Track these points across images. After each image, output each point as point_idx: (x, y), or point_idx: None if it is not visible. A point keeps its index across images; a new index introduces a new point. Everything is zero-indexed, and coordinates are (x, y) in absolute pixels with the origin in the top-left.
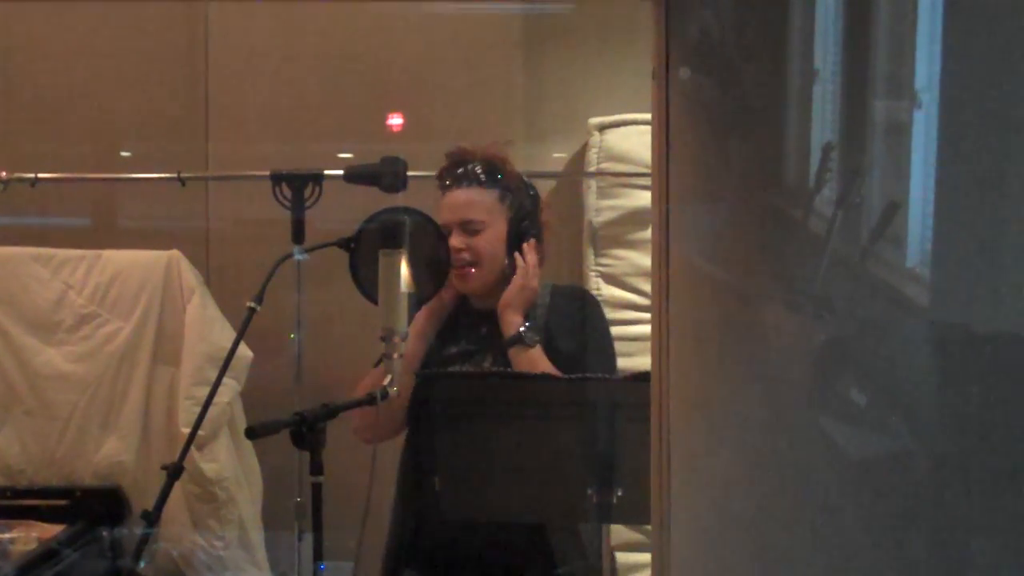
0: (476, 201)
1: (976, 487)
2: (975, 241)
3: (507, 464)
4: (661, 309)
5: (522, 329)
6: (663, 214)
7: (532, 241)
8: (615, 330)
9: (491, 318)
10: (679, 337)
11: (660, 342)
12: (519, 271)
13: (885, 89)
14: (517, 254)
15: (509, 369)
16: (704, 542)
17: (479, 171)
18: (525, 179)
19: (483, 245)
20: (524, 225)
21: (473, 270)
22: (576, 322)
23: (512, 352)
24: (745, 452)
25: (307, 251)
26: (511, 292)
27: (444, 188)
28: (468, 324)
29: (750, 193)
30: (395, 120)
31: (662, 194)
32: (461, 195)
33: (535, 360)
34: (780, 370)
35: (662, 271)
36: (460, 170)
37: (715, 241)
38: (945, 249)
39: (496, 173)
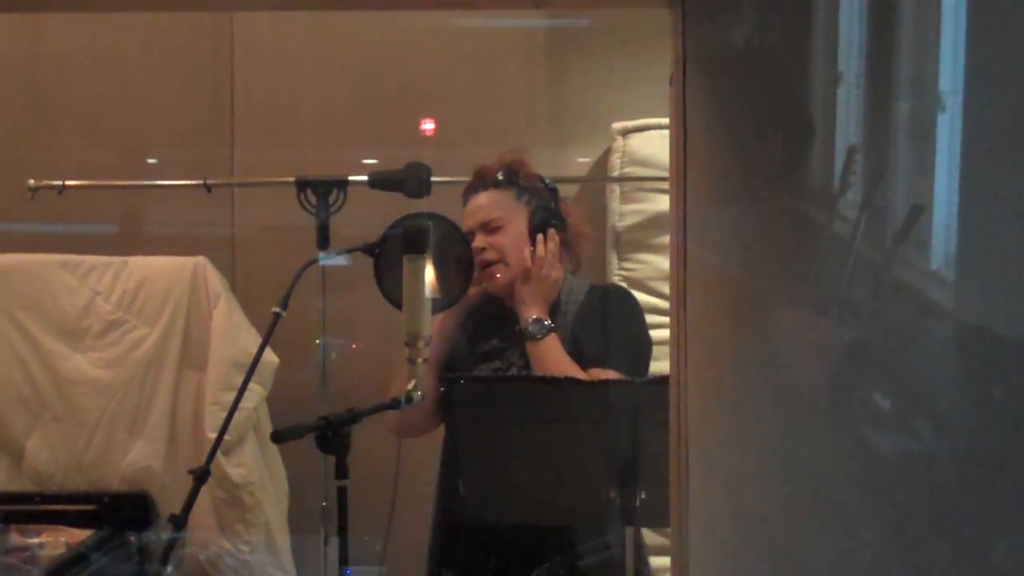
0: (492, 201)
1: (998, 490)
2: (999, 244)
3: (529, 466)
4: (679, 312)
5: (530, 322)
6: (681, 218)
7: (550, 231)
8: None
9: (502, 315)
10: (696, 339)
11: (678, 344)
12: (533, 262)
13: (909, 91)
14: (539, 245)
15: (529, 372)
16: (719, 542)
17: (500, 175)
18: (543, 178)
19: (504, 242)
20: (544, 219)
21: (498, 269)
22: (608, 321)
23: (527, 346)
24: (759, 454)
25: (331, 256)
26: (521, 284)
27: (465, 200)
28: (498, 322)
29: (771, 196)
30: (427, 125)
31: (680, 198)
32: (479, 199)
33: (548, 350)
34: (795, 373)
35: (680, 274)
36: (478, 180)
37: (733, 245)
38: (969, 252)
39: (511, 175)
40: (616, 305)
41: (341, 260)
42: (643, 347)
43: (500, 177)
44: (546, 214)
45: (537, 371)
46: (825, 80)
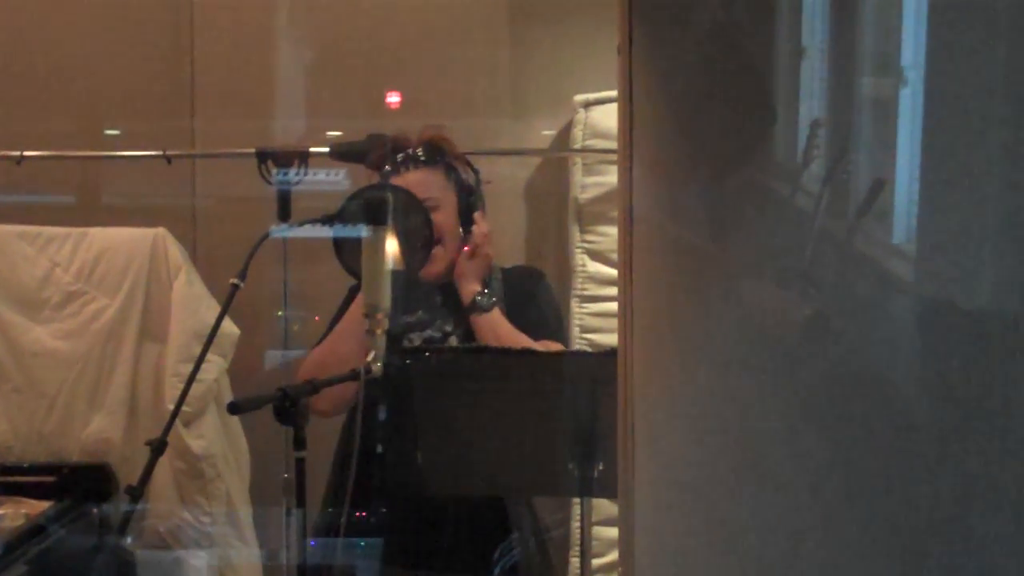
0: (425, 180)
1: (951, 463)
2: (960, 218)
3: (488, 438)
4: (626, 284)
5: (478, 296)
6: (627, 187)
7: (479, 213)
8: (600, 306)
9: (445, 288)
10: (641, 312)
11: (625, 316)
12: (476, 238)
13: (871, 66)
14: (476, 223)
15: (472, 342)
16: (663, 512)
17: (420, 153)
18: (466, 158)
19: (440, 222)
20: (472, 200)
21: (435, 249)
22: (530, 299)
23: (472, 319)
24: (699, 426)
25: (286, 229)
26: (463, 261)
27: (384, 175)
28: (421, 296)
29: (723, 168)
30: (392, 98)
31: (626, 168)
32: (410, 177)
33: (495, 323)
34: (737, 346)
35: (626, 245)
36: (401, 155)
37: (680, 216)
38: (930, 226)
39: (437, 153)
40: (535, 284)
41: (304, 232)
42: (562, 323)
43: (421, 153)
44: (475, 195)
45: (486, 342)
46: (785, 53)
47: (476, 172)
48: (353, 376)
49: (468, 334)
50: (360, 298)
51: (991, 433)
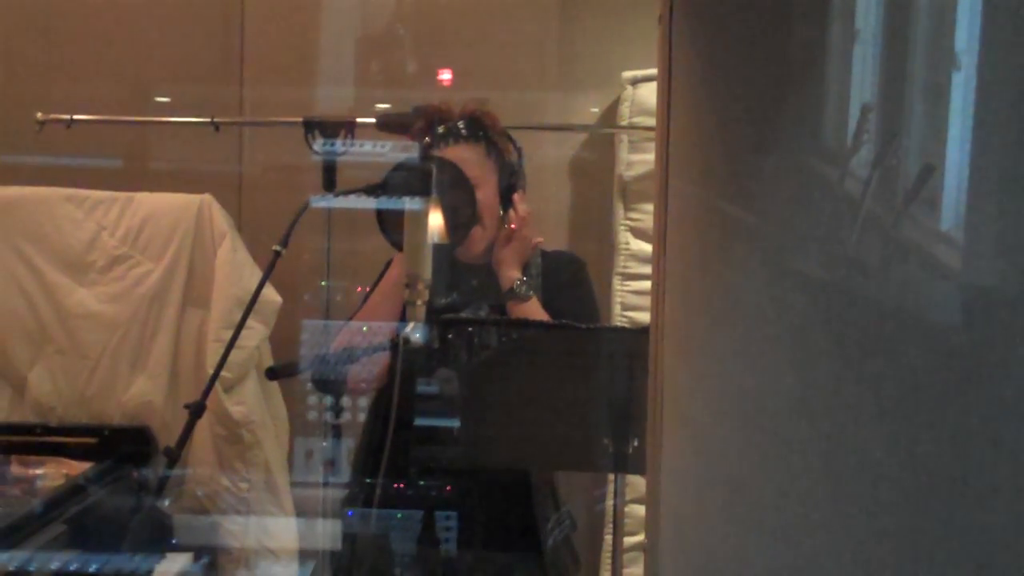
0: (466, 158)
1: (977, 448)
2: (1010, 205)
3: (522, 412)
4: (659, 259)
5: (516, 283)
6: (664, 160)
7: (520, 193)
8: (641, 284)
9: (482, 271)
10: (674, 289)
11: (658, 293)
12: (511, 222)
13: (924, 51)
14: (516, 205)
15: (517, 318)
16: (690, 490)
17: (462, 127)
18: (511, 136)
19: (479, 200)
20: (515, 179)
21: (475, 230)
22: (569, 285)
23: (509, 306)
24: (725, 406)
25: (327, 198)
26: (503, 245)
27: (426, 147)
28: (457, 277)
29: (768, 147)
30: (444, 75)
31: (663, 142)
32: (449, 152)
33: (531, 313)
34: (766, 328)
35: (662, 222)
36: (441, 128)
37: (714, 191)
38: (979, 213)
39: (480, 128)
40: (574, 271)
41: (346, 202)
42: (599, 314)
43: (463, 128)
44: (516, 174)
45: None
46: (837, 32)
47: (519, 150)
48: (391, 347)
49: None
50: (392, 271)
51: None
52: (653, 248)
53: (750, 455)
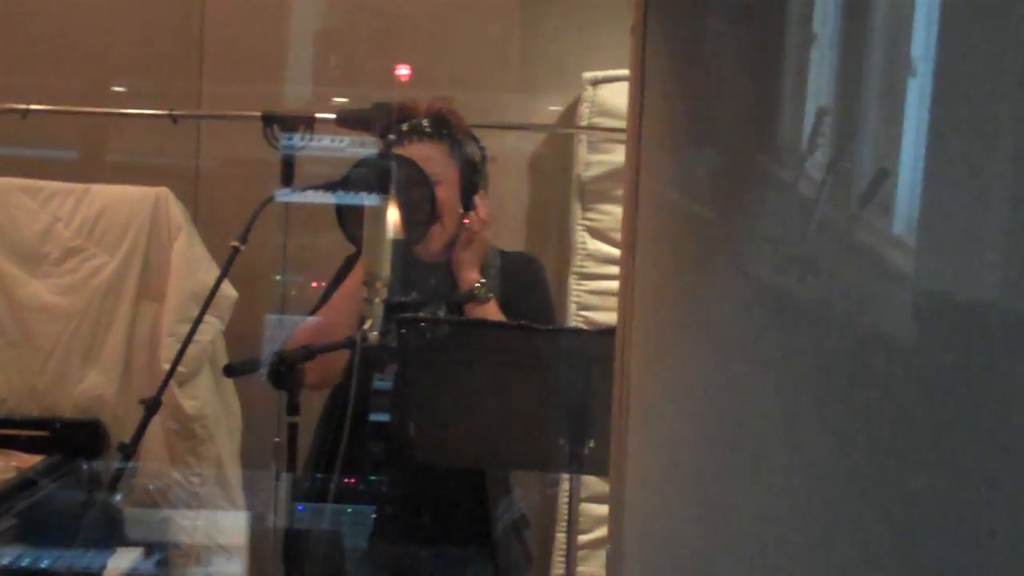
0: (429, 156)
1: (947, 456)
2: (963, 210)
3: (482, 411)
4: (628, 263)
5: (476, 285)
6: (634, 167)
7: (482, 193)
8: (598, 284)
9: (440, 270)
10: (642, 292)
11: (625, 296)
12: (471, 224)
13: (881, 55)
14: (477, 206)
15: (475, 318)
16: (654, 493)
17: (426, 125)
18: (474, 136)
19: (440, 199)
20: (477, 180)
21: (434, 228)
22: (526, 288)
23: (468, 307)
24: (690, 410)
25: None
26: (463, 246)
27: (388, 143)
28: (416, 276)
29: (729, 153)
30: (402, 71)
31: (635, 149)
32: (412, 149)
33: (489, 315)
34: (736, 331)
35: (631, 226)
36: (405, 125)
37: (687, 199)
38: (932, 217)
39: (444, 127)
40: (532, 272)
41: (307, 197)
42: (556, 316)
43: (426, 125)
44: (478, 174)
45: None
46: (796, 38)
47: (482, 149)
48: (349, 344)
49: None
50: (357, 270)
51: (987, 429)
52: (622, 252)
53: (726, 474)
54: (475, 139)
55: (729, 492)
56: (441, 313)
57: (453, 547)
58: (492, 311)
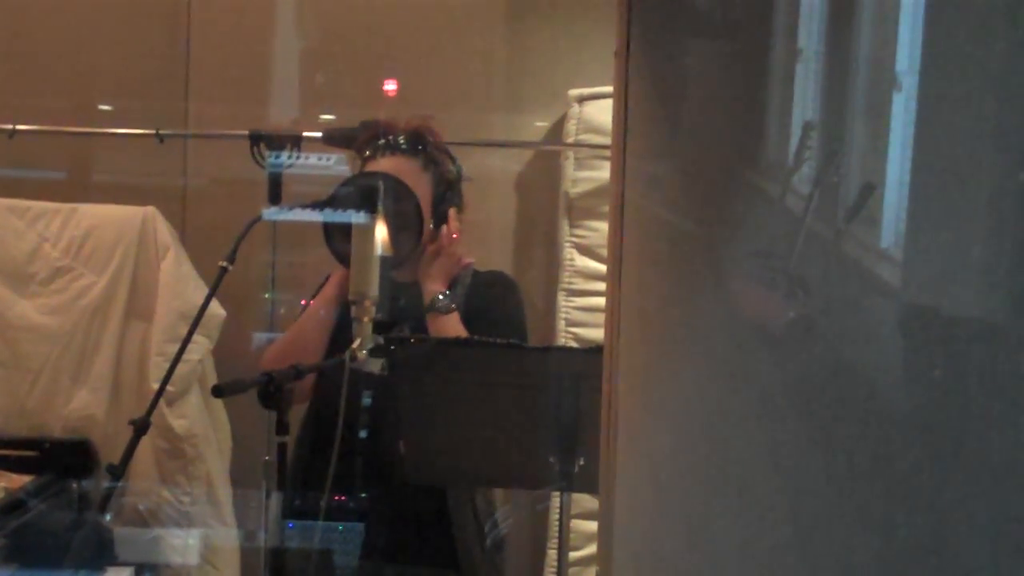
0: (401, 169)
1: (924, 489)
2: (949, 224)
3: (471, 430)
4: (614, 283)
5: (438, 296)
6: (619, 189)
7: (453, 210)
8: (586, 301)
9: (410, 289)
10: (629, 312)
11: (611, 316)
12: (441, 238)
13: (866, 70)
14: (450, 221)
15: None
16: (641, 512)
17: (402, 140)
18: (450, 152)
19: None
20: (449, 195)
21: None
22: (496, 306)
23: (429, 318)
24: (676, 428)
25: (278, 212)
26: (430, 260)
27: (365, 159)
28: (385, 295)
29: (719, 170)
30: (389, 86)
31: (619, 169)
32: (383, 163)
33: (448, 327)
34: (721, 351)
35: (616, 245)
36: (382, 140)
37: (671, 219)
38: (919, 231)
39: (419, 142)
40: (504, 290)
41: (294, 215)
42: (526, 335)
43: (402, 141)
44: (450, 190)
45: None
46: (781, 54)
47: (459, 168)
48: (338, 363)
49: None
50: (326, 289)
51: (975, 444)
52: (608, 271)
53: (711, 500)
54: (451, 157)
55: (714, 517)
56: (406, 330)
57: (421, 565)
58: (452, 324)
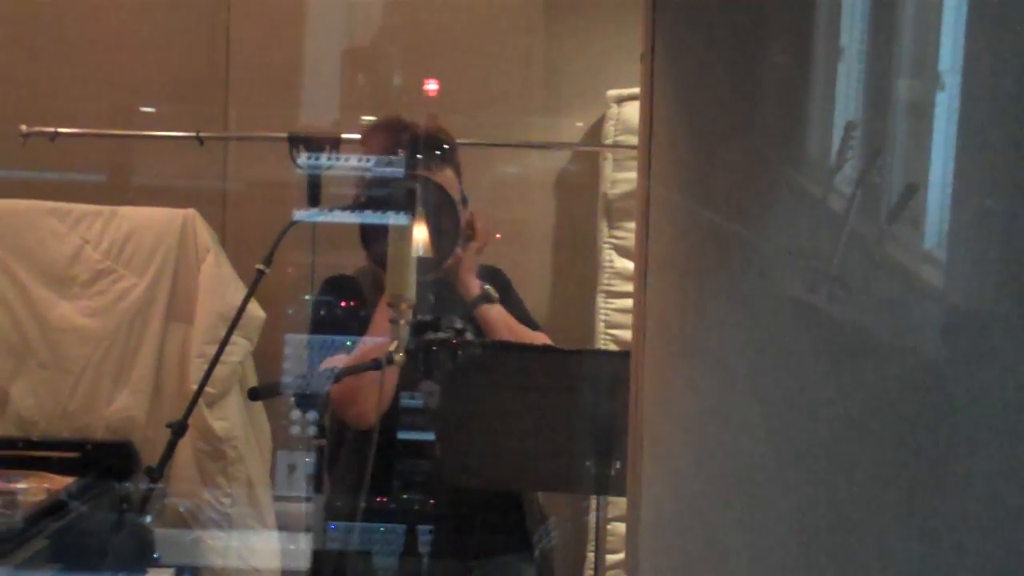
0: (451, 180)
1: (916, 516)
2: (992, 225)
3: (504, 433)
4: (641, 287)
5: (485, 287)
6: (645, 194)
7: (468, 205)
8: (625, 302)
9: (434, 287)
10: (655, 316)
11: (639, 322)
12: (482, 236)
13: (909, 70)
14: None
15: (481, 339)
16: (664, 521)
17: (436, 149)
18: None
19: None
20: (465, 195)
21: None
22: (505, 296)
23: (483, 310)
24: (693, 441)
25: (314, 214)
26: (471, 255)
27: (399, 164)
28: (425, 297)
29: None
30: (431, 86)
31: (645, 176)
32: (445, 176)
33: (502, 315)
34: (742, 360)
35: (643, 251)
36: (413, 145)
37: (697, 225)
38: (962, 232)
39: (450, 149)
40: (506, 282)
41: (328, 218)
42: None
43: (438, 152)
44: (464, 193)
45: (494, 334)
46: (820, 54)
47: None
48: (375, 366)
49: (479, 331)
50: (378, 314)
51: (953, 494)
52: (635, 277)
53: (725, 511)
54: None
55: (729, 528)
56: (459, 325)
57: (487, 567)
58: (502, 312)
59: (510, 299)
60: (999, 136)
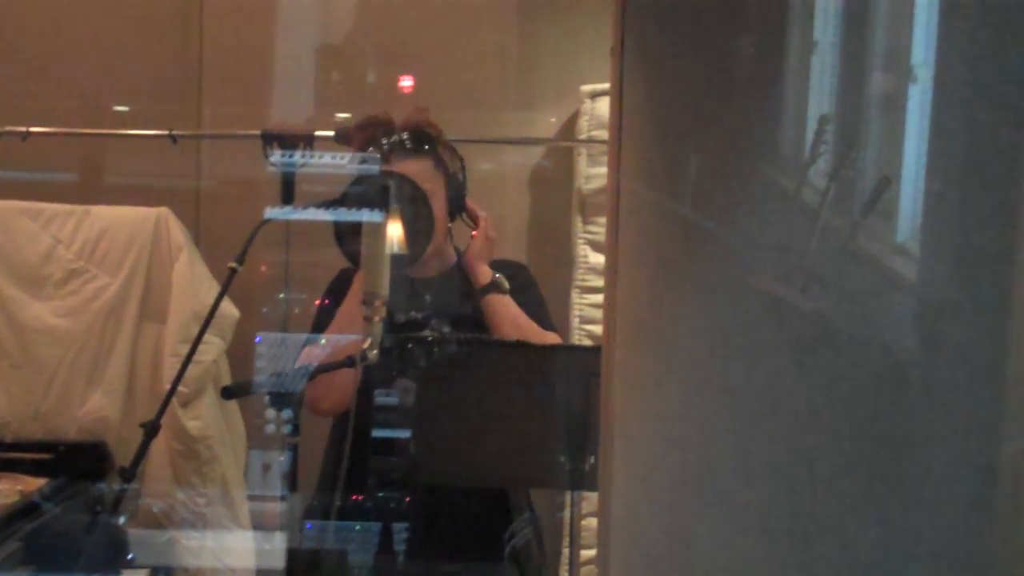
0: (417, 172)
1: (875, 506)
2: (964, 217)
3: (478, 429)
4: (611, 282)
5: (495, 276)
6: (616, 190)
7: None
8: (599, 298)
9: (432, 285)
10: (625, 311)
11: (609, 317)
12: (481, 223)
13: (882, 63)
14: (472, 208)
15: (464, 336)
16: (633, 514)
17: (409, 141)
18: (451, 144)
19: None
20: (462, 191)
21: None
22: (521, 291)
23: (489, 299)
24: (664, 434)
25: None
26: (479, 243)
27: (371, 160)
28: (410, 295)
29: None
30: (406, 82)
31: (615, 171)
32: (401, 168)
33: (508, 307)
34: (709, 356)
35: (613, 247)
36: (388, 141)
37: (666, 221)
38: (934, 225)
39: (427, 141)
40: (523, 276)
41: (301, 215)
42: (549, 314)
43: (408, 142)
44: (461, 184)
45: (497, 326)
46: (793, 49)
47: (460, 159)
48: (349, 363)
49: (480, 324)
50: (354, 290)
51: (908, 479)
52: (605, 272)
53: (692, 503)
54: (453, 149)
55: (695, 522)
56: (446, 329)
57: (462, 562)
58: (510, 304)
59: (528, 296)
60: (970, 128)
